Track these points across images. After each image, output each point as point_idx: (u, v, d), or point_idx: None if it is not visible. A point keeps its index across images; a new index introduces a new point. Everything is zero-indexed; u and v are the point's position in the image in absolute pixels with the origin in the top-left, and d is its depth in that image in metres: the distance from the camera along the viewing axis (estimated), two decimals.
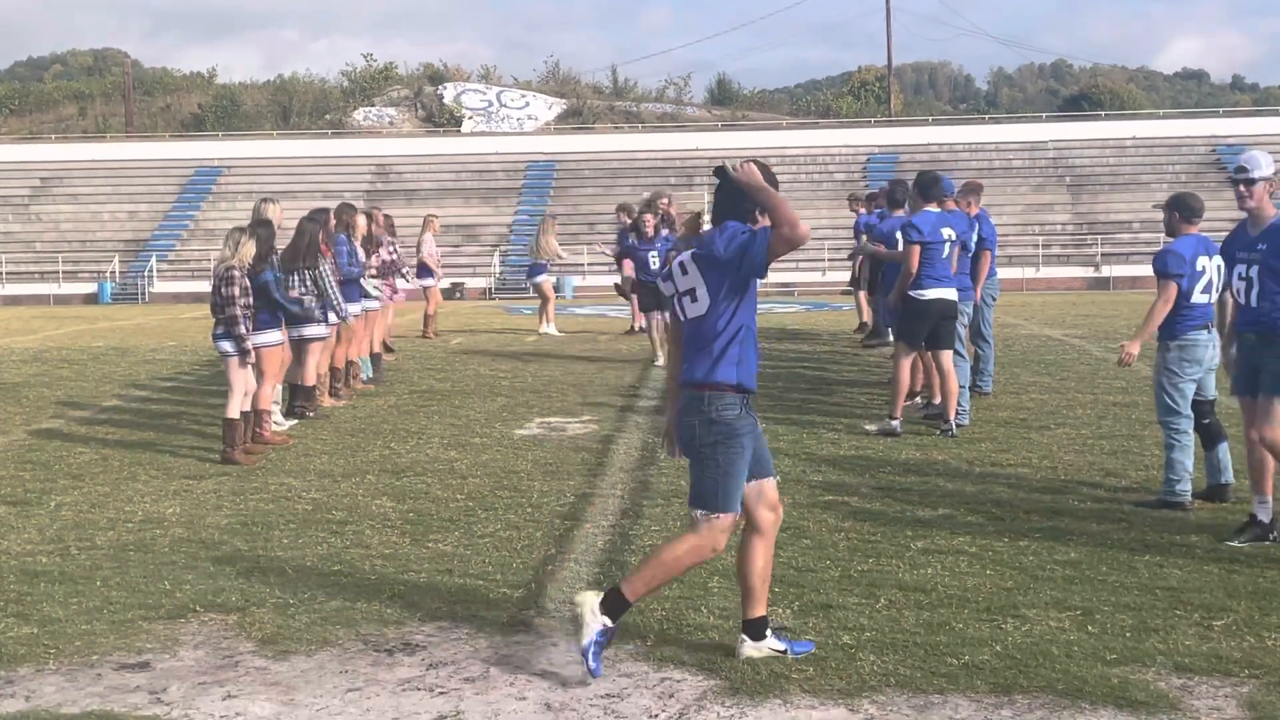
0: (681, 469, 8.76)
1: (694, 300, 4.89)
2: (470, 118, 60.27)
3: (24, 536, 7.13)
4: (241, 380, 9.47)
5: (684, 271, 4.93)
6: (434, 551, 6.66)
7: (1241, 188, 6.77)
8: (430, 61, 75.63)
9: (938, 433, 10.08)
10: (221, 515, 7.59)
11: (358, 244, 12.63)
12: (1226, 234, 7.08)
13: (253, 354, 9.51)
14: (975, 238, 11.24)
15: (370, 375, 13.68)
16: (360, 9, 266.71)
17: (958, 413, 10.26)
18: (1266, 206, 6.78)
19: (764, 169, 4.82)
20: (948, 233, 10.14)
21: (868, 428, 10.27)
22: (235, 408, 9.38)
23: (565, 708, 4.51)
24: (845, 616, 5.41)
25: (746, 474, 4.88)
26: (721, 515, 4.83)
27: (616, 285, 16.19)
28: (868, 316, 18.19)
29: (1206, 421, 7.58)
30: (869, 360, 15.76)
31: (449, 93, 62.72)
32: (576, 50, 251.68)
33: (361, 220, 12.93)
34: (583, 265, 38.05)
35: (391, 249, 14.13)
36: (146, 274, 41.06)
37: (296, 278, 10.77)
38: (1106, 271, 39.55)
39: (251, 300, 9.54)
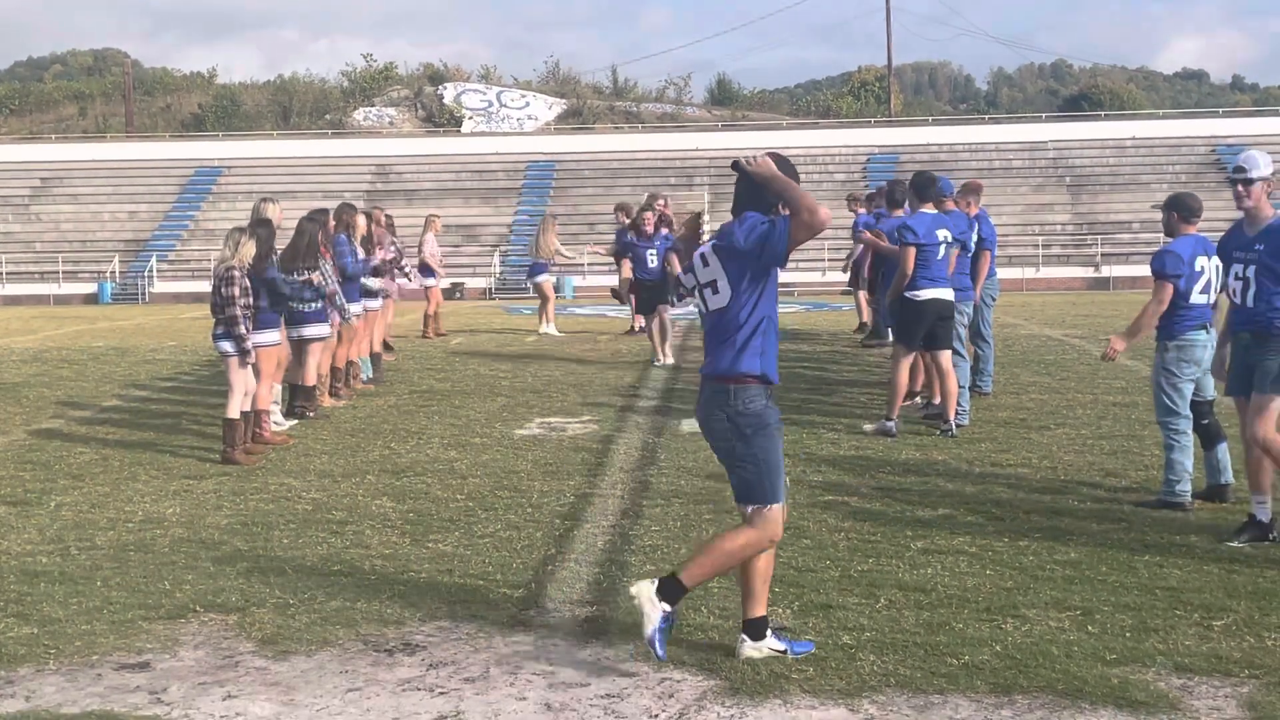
0: (682, 469, 8.77)
1: (715, 292, 4.91)
2: (470, 118, 60.25)
3: (24, 536, 7.14)
4: (241, 380, 9.47)
5: (705, 263, 4.95)
6: (434, 551, 6.67)
7: (1240, 188, 6.77)
8: (430, 61, 75.71)
9: (937, 433, 10.09)
10: (221, 515, 7.59)
11: (357, 244, 12.64)
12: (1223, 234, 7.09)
13: (253, 354, 9.52)
14: (975, 238, 11.24)
15: (370, 375, 13.68)
16: (360, 9, 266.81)
17: (958, 413, 10.27)
18: (1264, 207, 6.78)
19: (782, 160, 4.85)
20: (943, 234, 10.14)
21: (865, 428, 10.27)
22: (235, 408, 9.39)
23: (565, 708, 4.51)
24: (845, 616, 5.42)
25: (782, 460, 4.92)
26: (771, 506, 4.85)
27: (613, 289, 16.19)
28: (867, 316, 18.20)
29: (1205, 422, 7.58)
30: (869, 360, 15.76)
31: (449, 93, 62.71)
32: (576, 50, 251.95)
33: (361, 220, 12.94)
34: (583, 265, 38.03)
35: (393, 247, 14.13)
36: (146, 274, 41.04)
37: (296, 278, 10.77)
38: (1106, 272, 39.55)
39: (252, 300, 9.55)
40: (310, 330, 11.07)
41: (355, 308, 12.54)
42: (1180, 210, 7.51)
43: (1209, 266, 7.38)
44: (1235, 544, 6.57)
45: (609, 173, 46.42)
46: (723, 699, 4.56)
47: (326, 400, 11.97)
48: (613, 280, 22.00)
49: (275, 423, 10.42)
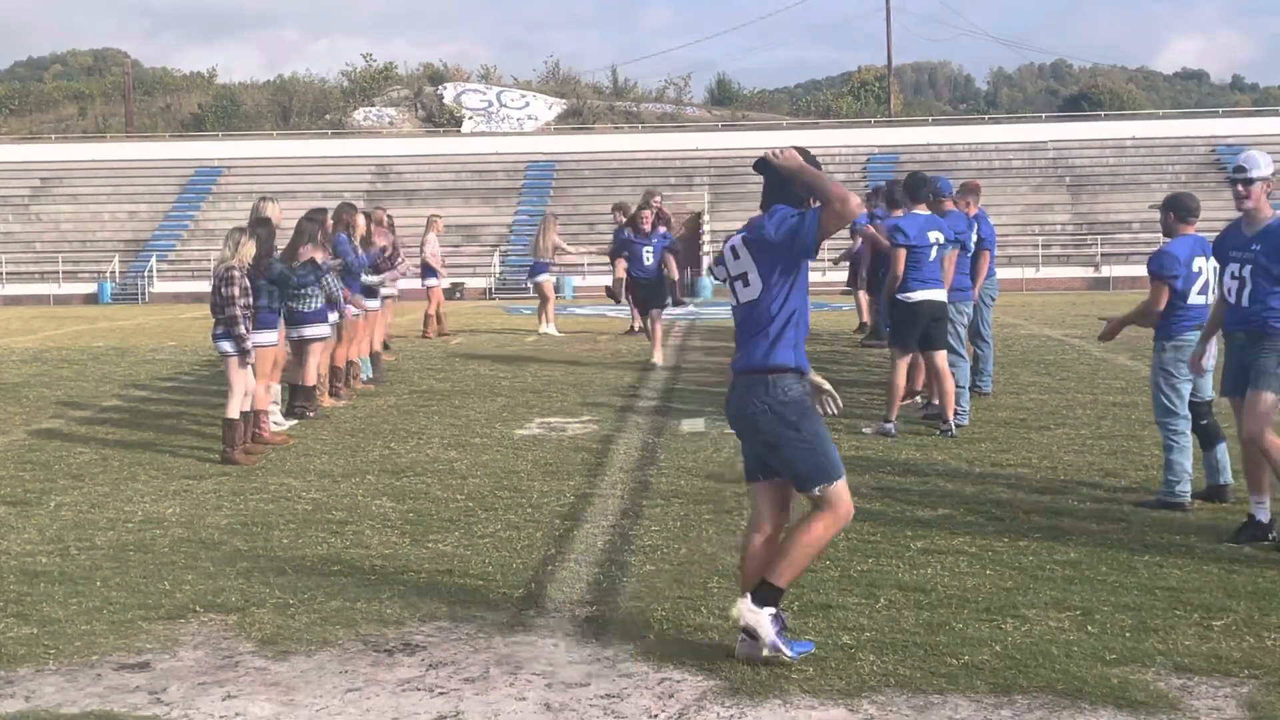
0: (681, 469, 8.77)
1: (746, 284, 4.93)
2: (470, 118, 60.24)
3: (24, 536, 7.14)
4: (241, 380, 9.47)
5: (735, 256, 4.98)
6: (434, 551, 6.67)
7: (1240, 187, 6.76)
8: (430, 61, 75.70)
9: (937, 433, 10.09)
10: (221, 515, 7.59)
11: (356, 244, 12.64)
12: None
13: (253, 354, 9.52)
14: (974, 238, 11.24)
15: (370, 375, 13.69)
16: (360, 9, 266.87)
17: (958, 413, 10.27)
18: (1264, 207, 6.77)
19: (805, 153, 4.86)
20: (935, 235, 10.14)
21: (865, 430, 10.27)
22: (235, 408, 9.39)
23: (565, 708, 4.51)
24: (845, 616, 5.42)
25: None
26: (836, 482, 4.86)
27: (607, 288, 16.17)
28: (867, 316, 18.20)
29: (1204, 422, 7.58)
30: (869, 360, 15.75)
31: (449, 93, 62.70)
32: (576, 50, 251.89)
33: (360, 220, 12.95)
34: (582, 265, 38.04)
35: (391, 247, 14.13)
36: (146, 274, 41.05)
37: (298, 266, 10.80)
38: (1106, 272, 39.54)
39: (252, 300, 9.55)
40: (310, 330, 11.07)
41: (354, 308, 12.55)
42: (1178, 210, 7.51)
43: (1207, 267, 7.38)
44: (1235, 544, 6.56)
45: (609, 173, 46.42)
46: (722, 699, 4.56)
47: (326, 400, 11.97)
48: (610, 280, 21.97)
49: (275, 423, 10.42)
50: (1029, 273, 39.22)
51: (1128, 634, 5.17)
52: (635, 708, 4.50)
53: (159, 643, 5.27)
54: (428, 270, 20.20)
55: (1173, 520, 7.13)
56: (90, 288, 40.86)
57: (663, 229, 16.01)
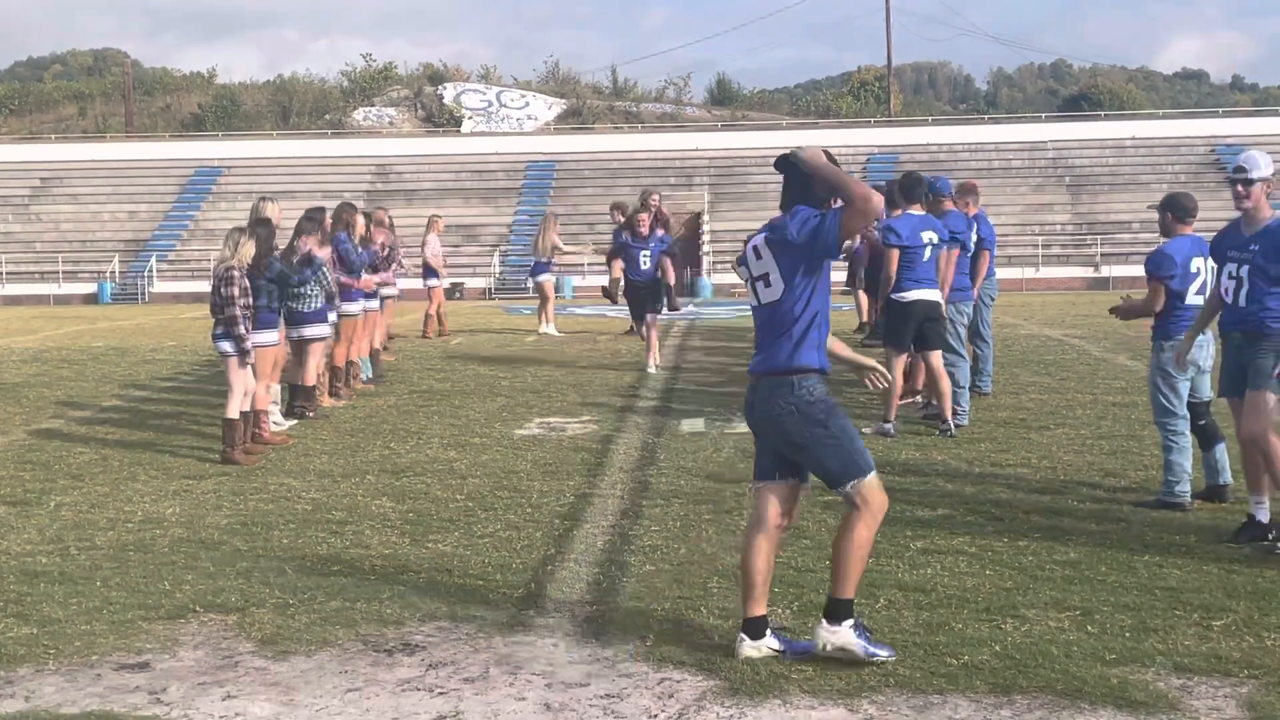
0: (681, 469, 8.77)
1: (768, 285, 4.94)
2: (470, 118, 60.23)
3: (24, 536, 7.14)
4: (241, 380, 9.47)
5: (758, 256, 4.98)
6: (434, 551, 6.67)
7: (1239, 188, 6.76)
8: (430, 61, 75.68)
9: (936, 433, 10.09)
10: (221, 515, 7.59)
11: (356, 243, 12.66)
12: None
13: (253, 354, 9.52)
14: (974, 238, 11.25)
15: (370, 375, 13.69)
16: (360, 9, 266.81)
17: (958, 413, 10.27)
18: (1263, 207, 6.77)
19: (825, 154, 4.90)
20: (928, 236, 10.14)
21: (864, 430, 10.27)
22: (235, 408, 9.39)
23: (565, 708, 4.51)
24: None
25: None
26: (869, 475, 4.86)
27: (604, 288, 16.12)
28: (867, 316, 18.19)
29: (1203, 423, 7.58)
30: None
31: (449, 93, 62.68)
32: (576, 50, 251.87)
33: (360, 220, 12.96)
34: (582, 265, 38.03)
35: (389, 248, 14.14)
36: (146, 274, 41.04)
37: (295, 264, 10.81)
38: (1106, 272, 39.53)
39: (251, 300, 9.55)
40: (310, 330, 11.08)
41: (355, 307, 12.57)
42: (1175, 211, 7.51)
43: (1205, 267, 7.38)
44: (1234, 544, 6.56)
45: (609, 173, 46.40)
46: (722, 699, 4.56)
47: (326, 400, 11.98)
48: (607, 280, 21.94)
49: (275, 423, 10.42)
50: (1029, 273, 39.22)
51: (1127, 634, 5.17)
52: (635, 708, 4.50)
53: (159, 643, 5.27)
54: (429, 270, 20.20)
55: (1172, 520, 7.13)
56: (90, 288, 40.85)
57: (660, 232, 15.93)
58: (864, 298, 18.36)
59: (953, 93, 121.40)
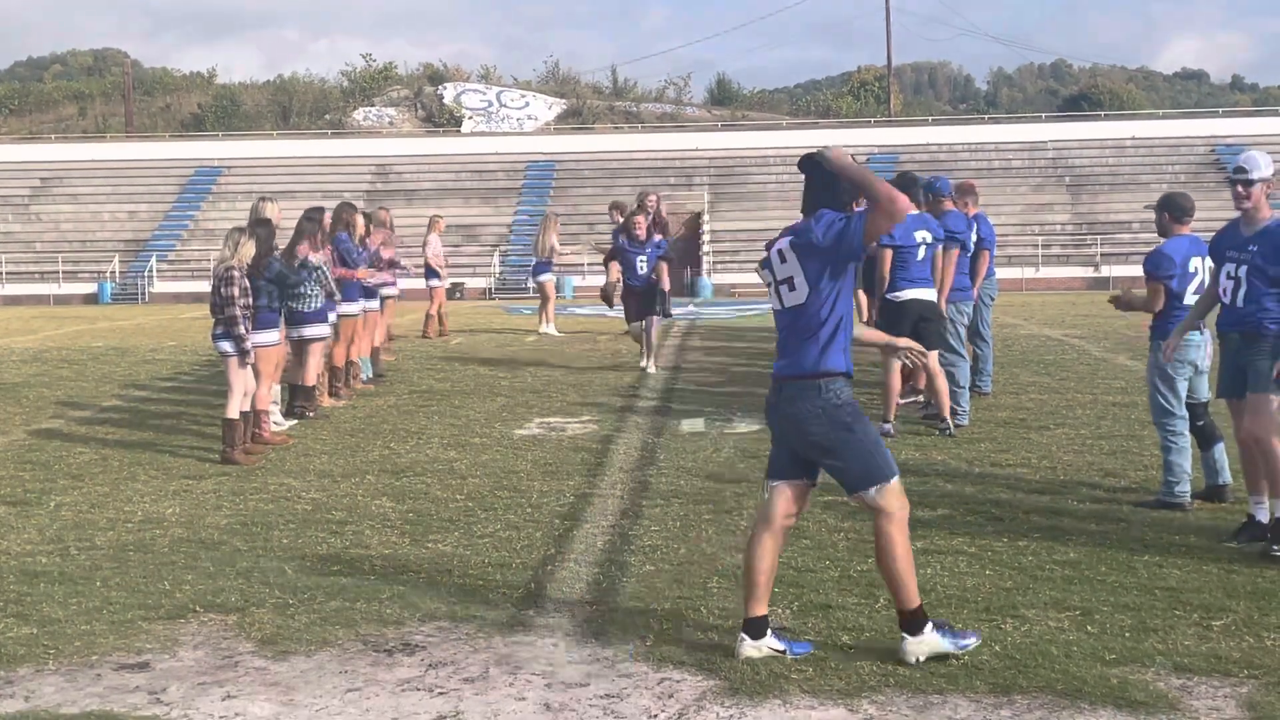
0: (681, 469, 8.77)
1: (792, 289, 4.94)
2: (470, 118, 60.24)
3: (24, 536, 7.14)
4: (241, 380, 9.47)
5: (782, 260, 4.98)
6: (434, 551, 6.67)
7: (1239, 188, 6.74)
8: (430, 61, 75.70)
9: (936, 433, 10.10)
10: (221, 515, 7.59)
11: (355, 243, 12.66)
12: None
13: (253, 354, 9.52)
14: (974, 238, 11.25)
15: (370, 375, 13.69)
16: (360, 9, 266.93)
17: (958, 413, 10.27)
18: (1263, 208, 6.76)
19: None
20: (922, 235, 10.15)
21: None
22: (235, 408, 9.39)
23: (565, 708, 4.51)
24: (845, 617, 5.42)
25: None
26: (890, 480, 4.87)
27: (601, 290, 16.08)
28: (866, 316, 18.17)
29: (1201, 423, 7.58)
30: (868, 360, 15.74)
31: (449, 93, 62.69)
32: (576, 50, 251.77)
33: (360, 220, 12.97)
34: (582, 265, 38.04)
35: (387, 261, 14.14)
36: (146, 274, 41.05)
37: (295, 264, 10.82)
38: (1106, 271, 39.54)
39: (251, 300, 9.56)
40: (310, 330, 11.08)
41: (354, 307, 12.57)
42: (1172, 211, 7.50)
43: (1203, 267, 7.37)
44: (1234, 544, 6.56)
45: (609, 173, 46.41)
46: (722, 699, 4.56)
47: (326, 400, 11.98)
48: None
49: (275, 423, 10.42)
50: (1029, 273, 39.23)
51: (1127, 634, 5.17)
52: (635, 708, 4.50)
53: (159, 643, 5.27)
54: (430, 271, 20.20)
55: (1172, 520, 7.13)
56: (90, 288, 40.86)
57: (658, 236, 15.83)
58: (863, 297, 18.33)
59: (953, 93, 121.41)
